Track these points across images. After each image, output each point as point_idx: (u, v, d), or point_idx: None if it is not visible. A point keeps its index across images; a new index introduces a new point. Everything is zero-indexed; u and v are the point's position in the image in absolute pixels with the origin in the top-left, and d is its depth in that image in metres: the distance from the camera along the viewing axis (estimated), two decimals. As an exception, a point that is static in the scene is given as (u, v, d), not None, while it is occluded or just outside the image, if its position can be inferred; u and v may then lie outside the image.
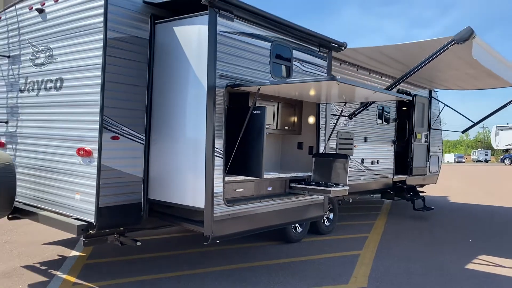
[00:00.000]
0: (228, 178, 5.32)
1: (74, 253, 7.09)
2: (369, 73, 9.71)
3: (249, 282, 5.63)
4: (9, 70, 6.59)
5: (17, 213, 5.95)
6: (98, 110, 5.05)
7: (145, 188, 5.57)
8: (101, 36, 5.04)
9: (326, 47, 6.75)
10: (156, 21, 5.53)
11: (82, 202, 5.21)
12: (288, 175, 6.36)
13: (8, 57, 6.58)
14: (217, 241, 5.15)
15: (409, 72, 7.52)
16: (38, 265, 6.22)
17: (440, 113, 13.08)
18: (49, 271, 5.95)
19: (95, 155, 5.08)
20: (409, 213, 11.58)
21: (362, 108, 8.64)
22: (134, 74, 5.43)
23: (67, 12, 5.53)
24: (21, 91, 6.30)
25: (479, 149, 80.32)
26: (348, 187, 6.12)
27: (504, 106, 11.10)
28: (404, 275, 6.21)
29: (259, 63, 5.68)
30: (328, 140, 6.86)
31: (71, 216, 5.35)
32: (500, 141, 60.24)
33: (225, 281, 5.63)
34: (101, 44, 5.04)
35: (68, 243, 7.43)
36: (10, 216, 5.97)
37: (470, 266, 6.83)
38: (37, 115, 6.00)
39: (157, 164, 5.50)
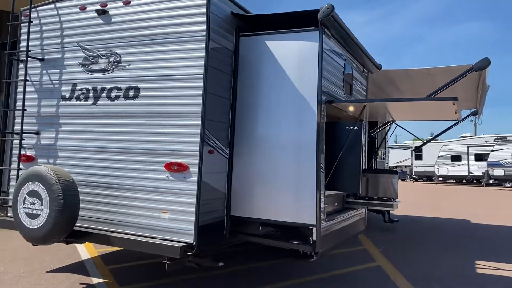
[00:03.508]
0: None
1: (97, 280, 6.44)
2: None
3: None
4: (43, 74, 5.84)
5: (73, 236, 5.25)
6: (199, 122, 4.76)
7: (228, 205, 5.34)
8: (203, 45, 4.79)
9: (367, 67, 7.14)
10: (240, 34, 5.41)
11: (174, 222, 4.82)
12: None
13: (42, 60, 5.84)
14: (314, 259, 5.12)
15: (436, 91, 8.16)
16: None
17: (393, 131, 14.28)
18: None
19: (193, 169, 4.77)
20: (380, 225, 12.37)
21: (383, 125, 9.17)
22: (224, 86, 5.25)
23: (147, 17, 5.14)
24: (65, 99, 5.62)
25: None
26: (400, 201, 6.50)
27: (457, 123, 12.52)
28: (443, 278, 6.70)
29: (337, 80, 5.84)
30: (376, 156, 7.21)
31: (155, 237, 4.91)
32: (390, 160, 66.45)
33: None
34: (202, 54, 4.79)
35: (77, 269, 6.68)
36: (64, 239, 5.24)
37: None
38: (93, 126, 5.40)
39: (242, 179, 5.32)
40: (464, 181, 36.38)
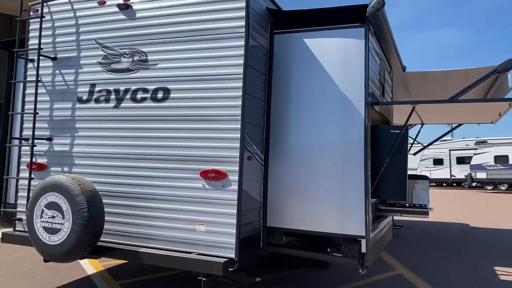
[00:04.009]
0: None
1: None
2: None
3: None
4: (55, 75, 5.34)
5: (95, 252, 4.77)
6: (238, 126, 4.37)
7: (264, 215, 4.95)
8: (242, 42, 4.41)
9: (394, 68, 6.88)
10: (275, 31, 5.05)
11: (211, 234, 4.41)
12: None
13: (54, 59, 5.35)
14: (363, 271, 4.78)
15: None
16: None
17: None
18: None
19: (232, 177, 4.37)
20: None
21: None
22: (259, 87, 4.88)
23: (177, 12, 4.73)
24: (82, 101, 5.15)
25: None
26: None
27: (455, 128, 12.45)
28: (471, 282, 6.48)
29: (376, 80, 5.54)
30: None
31: (189, 252, 4.48)
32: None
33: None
34: (242, 52, 4.41)
35: (85, 286, 6.17)
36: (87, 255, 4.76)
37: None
38: (116, 131, 4.94)
39: (279, 187, 4.95)
40: (445, 184, 36.77)
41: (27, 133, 5.43)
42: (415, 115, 6.26)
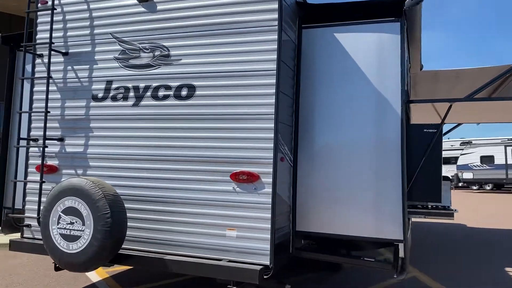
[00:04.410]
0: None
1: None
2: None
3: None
4: (67, 71, 5.01)
5: (115, 260, 4.45)
6: (272, 125, 4.12)
7: (293, 218, 4.71)
8: (275, 36, 4.17)
9: (413, 65, 6.71)
10: (303, 25, 4.82)
11: (243, 240, 4.15)
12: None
13: (65, 54, 5.01)
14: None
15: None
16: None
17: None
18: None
19: (265, 179, 4.12)
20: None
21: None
22: (289, 83, 4.65)
23: (202, 4, 4.45)
24: (97, 99, 4.83)
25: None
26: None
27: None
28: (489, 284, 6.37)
29: (407, 77, 5.33)
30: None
31: (219, 259, 4.21)
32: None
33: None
34: (275, 46, 4.16)
35: None
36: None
37: None
38: (136, 131, 4.64)
39: (308, 189, 4.71)
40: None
41: (35, 133, 5.08)
42: (436, 114, 6.10)
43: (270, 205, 4.07)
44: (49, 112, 4.88)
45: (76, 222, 4.13)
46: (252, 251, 4.10)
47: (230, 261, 4.15)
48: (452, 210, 5.80)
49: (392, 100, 4.44)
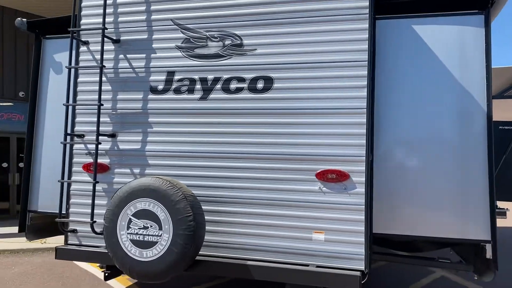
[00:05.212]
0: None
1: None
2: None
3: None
4: (119, 60, 4.55)
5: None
6: (364, 120, 3.88)
7: (370, 220, 4.46)
8: (366, 25, 3.93)
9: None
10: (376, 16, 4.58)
11: (333, 244, 3.87)
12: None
13: (117, 41, 4.55)
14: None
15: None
16: None
17: None
18: None
19: (356, 179, 3.87)
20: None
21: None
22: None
23: (281, -10, 4.13)
24: (157, 91, 4.40)
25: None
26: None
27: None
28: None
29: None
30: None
31: (305, 264, 3.91)
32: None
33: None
34: (366, 36, 3.92)
35: None
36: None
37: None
38: (204, 126, 4.25)
39: (383, 189, 4.46)
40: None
41: (80, 128, 4.59)
42: (503, 110, 6.02)
43: (364, 206, 3.82)
44: (102, 105, 4.41)
45: (152, 226, 3.72)
46: (344, 256, 3.83)
47: (318, 266, 3.86)
48: (503, 209, 5.73)
49: (478, 97, 4.27)
